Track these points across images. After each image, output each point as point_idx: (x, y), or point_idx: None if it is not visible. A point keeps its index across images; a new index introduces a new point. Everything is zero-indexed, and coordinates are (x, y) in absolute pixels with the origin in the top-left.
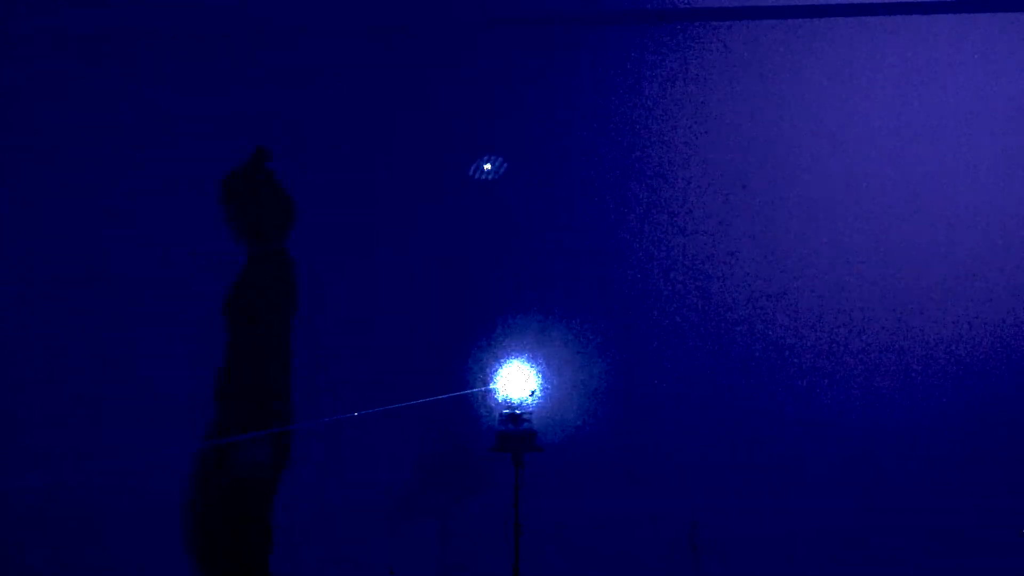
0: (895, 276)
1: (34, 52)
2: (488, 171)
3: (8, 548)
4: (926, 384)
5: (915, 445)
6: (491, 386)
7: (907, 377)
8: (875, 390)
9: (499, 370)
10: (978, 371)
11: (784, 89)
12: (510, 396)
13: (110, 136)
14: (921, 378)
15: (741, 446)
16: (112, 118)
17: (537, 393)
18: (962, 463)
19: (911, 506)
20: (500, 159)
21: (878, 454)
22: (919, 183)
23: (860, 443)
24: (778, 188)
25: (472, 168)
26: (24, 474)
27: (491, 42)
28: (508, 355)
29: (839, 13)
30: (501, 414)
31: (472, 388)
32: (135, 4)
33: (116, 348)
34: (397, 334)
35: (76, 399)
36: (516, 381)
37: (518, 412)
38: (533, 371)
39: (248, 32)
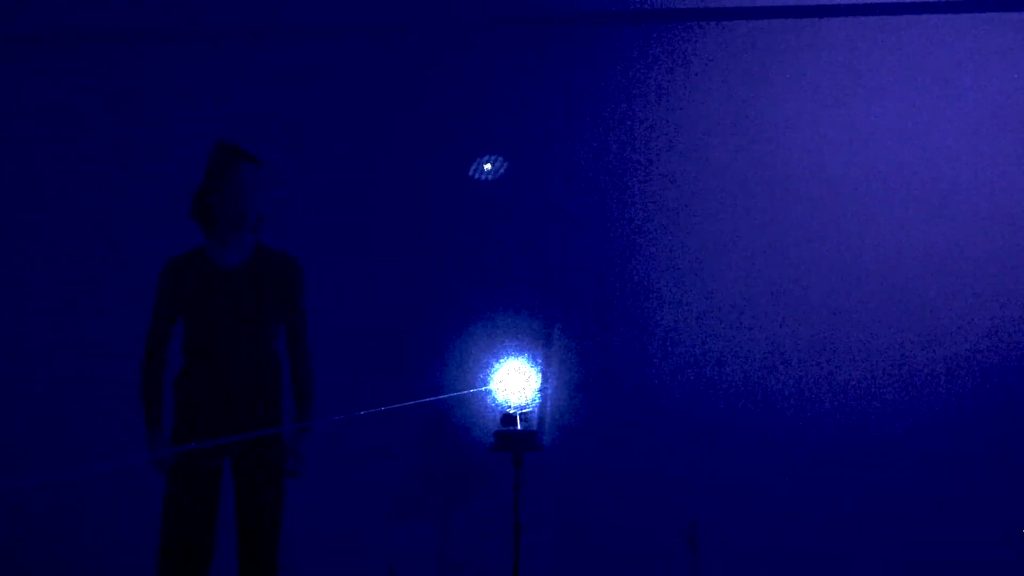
0: (895, 276)
1: (33, 52)
2: (488, 171)
3: (8, 548)
4: (926, 383)
5: (915, 443)
6: (490, 386)
7: (907, 376)
8: (874, 389)
9: (498, 370)
10: (978, 370)
11: (784, 89)
12: (509, 396)
13: (109, 136)
14: (921, 377)
15: (741, 446)
16: (112, 119)
17: (536, 395)
18: (962, 462)
19: (910, 504)
20: (499, 159)
21: (877, 453)
22: (919, 183)
23: (859, 442)
24: (778, 188)
25: (472, 168)
26: (24, 474)
27: (490, 42)
28: (508, 355)
29: (839, 13)
30: (504, 415)
31: (472, 388)
32: (135, 4)
33: (114, 348)
34: (396, 334)
35: (74, 399)
36: (516, 381)
37: (518, 412)
38: (533, 371)
39: (248, 32)
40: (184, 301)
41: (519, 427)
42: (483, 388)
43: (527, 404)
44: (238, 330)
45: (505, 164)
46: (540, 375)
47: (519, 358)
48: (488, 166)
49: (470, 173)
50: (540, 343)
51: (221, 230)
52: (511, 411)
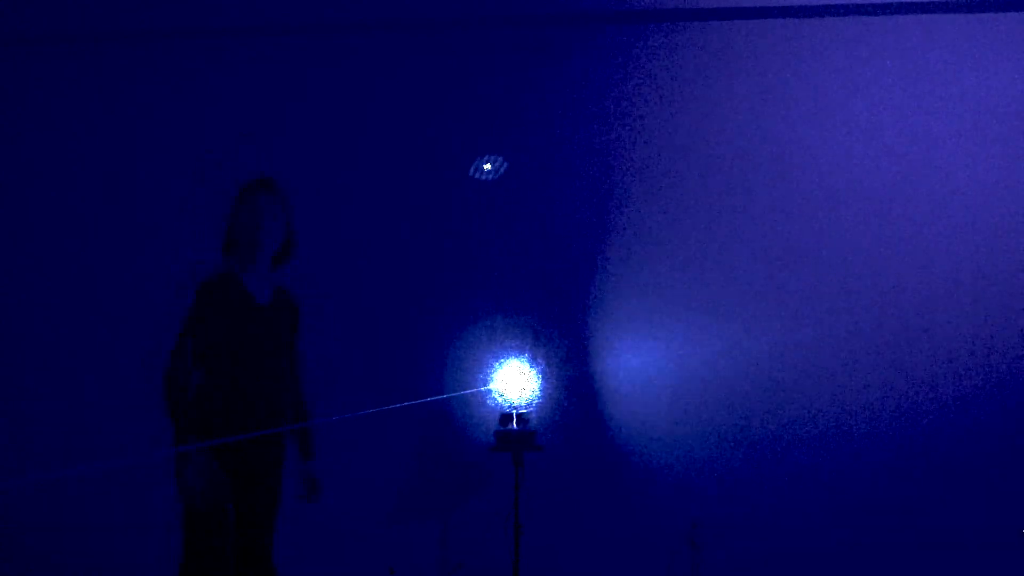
0: (895, 275)
1: (33, 52)
2: (487, 171)
3: (8, 548)
4: (925, 383)
5: (915, 444)
6: (490, 386)
7: (906, 376)
8: (873, 388)
9: (498, 370)
10: (976, 369)
11: (784, 89)
12: (509, 396)
13: (110, 137)
14: (920, 377)
15: (741, 446)
16: (112, 119)
17: (536, 394)
18: (963, 463)
19: (910, 504)
20: (499, 159)
21: (878, 453)
22: (920, 182)
23: (859, 442)
24: (778, 188)
25: (472, 168)
26: (24, 474)
27: (489, 42)
28: (507, 355)
29: (839, 13)
30: (501, 414)
31: (472, 388)
32: (134, 4)
33: (116, 348)
34: (396, 334)
35: (75, 400)
36: (515, 381)
37: (518, 412)
38: (532, 371)
39: (245, 32)
40: (222, 330)
41: (517, 427)
42: (483, 388)
43: (526, 404)
44: (273, 366)
45: (505, 164)
46: (536, 373)
47: (519, 358)
48: (488, 166)
49: (470, 173)
50: (532, 340)
51: (247, 260)
52: (510, 411)
